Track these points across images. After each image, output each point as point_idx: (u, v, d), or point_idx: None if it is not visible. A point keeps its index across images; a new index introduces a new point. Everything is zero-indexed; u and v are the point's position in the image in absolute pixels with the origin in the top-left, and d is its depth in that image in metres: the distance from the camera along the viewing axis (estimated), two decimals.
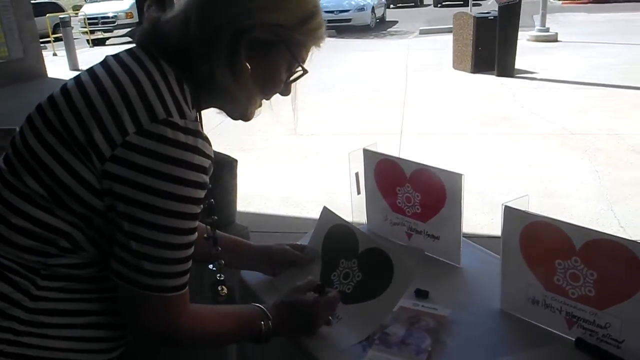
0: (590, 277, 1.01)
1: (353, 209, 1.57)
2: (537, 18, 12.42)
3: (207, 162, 0.88)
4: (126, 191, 0.84)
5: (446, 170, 1.31)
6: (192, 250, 0.91)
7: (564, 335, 1.08)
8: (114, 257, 0.88)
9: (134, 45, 0.97)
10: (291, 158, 5.06)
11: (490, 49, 8.06)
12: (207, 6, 0.91)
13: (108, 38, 16.86)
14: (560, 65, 8.84)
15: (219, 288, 1.19)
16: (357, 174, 1.53)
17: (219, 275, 1.19)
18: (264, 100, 1.03)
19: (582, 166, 4.39)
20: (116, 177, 0.84)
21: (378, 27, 17.52)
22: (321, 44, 1.00)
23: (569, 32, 12.45)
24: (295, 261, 1.35)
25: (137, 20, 16.57)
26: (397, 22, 18.87)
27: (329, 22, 16.31)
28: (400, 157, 1.44)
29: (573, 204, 3.68)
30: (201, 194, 0.88)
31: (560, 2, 21.06)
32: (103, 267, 0.93)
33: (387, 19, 19.62)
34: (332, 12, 16.52)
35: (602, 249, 0.99)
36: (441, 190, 1.32)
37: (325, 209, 1.39)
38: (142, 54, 0.93)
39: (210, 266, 1.20)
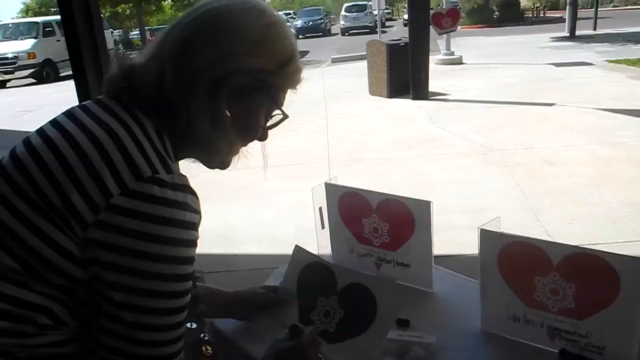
0: (569, 290, 1.06)
1: (318, 244, 1.57)
2: (441, 42, 13.08)
3: (197, 218, 0.84)
4: (114, 258, 0.77)
5: (414, 199, 1.34)
6: (186, 312, 0.85)
7: (547, 348, 1.12)
8: (103, 330, 0.81)
9: (101, 95, 0.92)
10: (223, 194, 4.98)
11: (404, 74, 8.38)
12: (183, 52, 0.86)
13: (8, 80, 16.02)
14: (469, 86, 9.34)
15: (203, 348, 1.13)
16: (320, 209, 1.53)
17: (202, 334, 1.14)
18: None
19: (505, 180, 4.62)
20: (102, 244, 0.77)
21: None
22: (297, 87, 1.00)
23: (472, 54, 13.23)
24: (270, 303, 1.32)
25: (40, 60, 16.00)
26: (308, 51, 19.23)
27: None
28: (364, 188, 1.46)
29: (504, 218, 3.83)
30: (193, 252, 0.84)
31: (459, 26, 22.35)
32: (85, 341, 0.85)
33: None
34: None
35: (579, 263, 1.04)
36: (409, 219, 1.35)
37: (297, 247, 1.37)
38: (114, 105, 0.87)
39: (189, 325, 1.14)
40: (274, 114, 0.99)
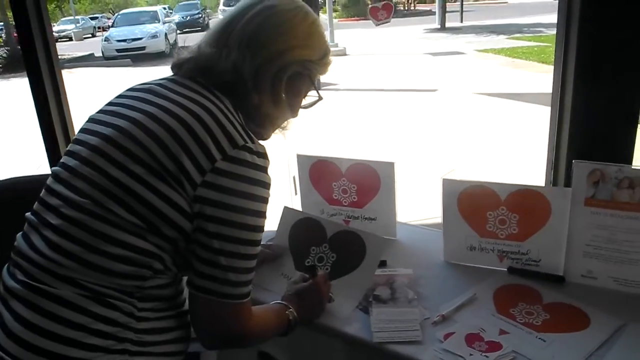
0: (514, 219, 1.39)
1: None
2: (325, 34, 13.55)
3: (271, 180, 1.03)
4: (217, 212, 0.95)
5: (379, 161, 1.61)
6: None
7: (498, 268, 1.44)
8: (197, 274, 0.98)
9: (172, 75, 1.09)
10: None
11: None
12: (253, 44, 1.06)
13: None
14: (357, 76, 9.86)
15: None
16: (294, 177, 1.75)
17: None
18: None
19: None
20: (207, 200, 0.95)
21: (173, 52, 17.37)
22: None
23: (354, 46, 13.85)
24: (266, 259, 1.51)
25: None
26: (189, 46, 18.93)
27: (123, 52, 15.89)
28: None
29: None
30: (267, 208, 1.03)
31: (337, 20, 23.09)
32: (177, 285, 1.04)
33: (179, 44, 19.52)
34: (124, 40, 16.08)
35: (521, 196, 1.37)
36: (376, 179, 1.62)
37: (286, 208, 1.59)
38: (194, 85, 1.05)
39: None
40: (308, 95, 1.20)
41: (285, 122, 1.20)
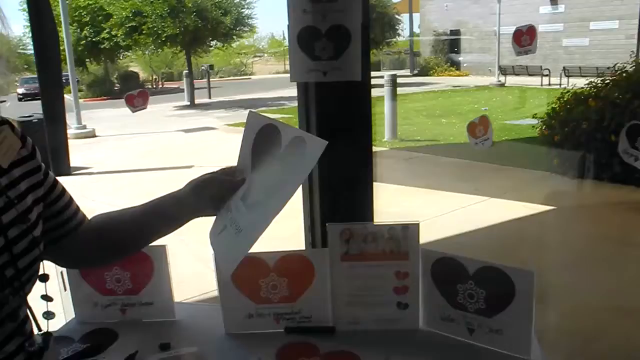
0: (283, 283, 1.52)
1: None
2: (71, 116, 12.89)
3: None
4: None
5: (152, 246, 1.62)
6: None
7: (276, 330, 1.55)
8: None
9: None
10: None
11: (41, 150, 8.04)
12: None
13: None
14: (110, 157, 9.54)
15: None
16: (62, 272, 1.65)
17: None
18: None
19: None
20: None
21: None
22: None
23: (103, 126, 13.41)
24: (233, 188, 1.21)
25: None
26: None
27: None
28: None
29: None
30: None
31: (82, 100, 22.14)
32: None
33: None
34: None
35: (287, 261, 1.51)
36: (149, 263, 1.62)
37: (251, 112, 1.33)
38: None
39: None
40: None
41: None
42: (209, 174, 1.25)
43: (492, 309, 1.39)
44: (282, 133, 1.19)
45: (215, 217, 1.25)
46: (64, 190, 1.21)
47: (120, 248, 1.30)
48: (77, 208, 1.26)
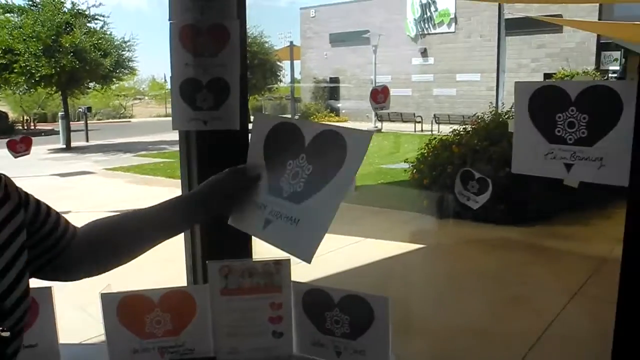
0: (167, 318, 1.63)
1: None
2: None
3: None
4: None
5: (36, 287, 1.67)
6: None
7: None
8: None
9: None
10: None
11: None
12: None
13: None
14: None
15: None
16: None
17: None
18: None
19: None
20: None
21: None
22: None
23: None
24: (245, 186, 1.28)
25: None
26: None
27: None
28: None
29: None
30: None
31: None
32: None
33: None
34: None
35: (170, 297, 1.63)
36: (33, 307, 1.67)
37: (257, 114, 1.38)
38: None
39: None
40: None
41: None
42: (220, 174, 1.31)
43: (355, 333, 1.59)
44: (302, 130, 1.26)
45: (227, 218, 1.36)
46: (48, 211, 1.16)
47: (118, 252, 1.31)
48: (66, 223, 1.20)
